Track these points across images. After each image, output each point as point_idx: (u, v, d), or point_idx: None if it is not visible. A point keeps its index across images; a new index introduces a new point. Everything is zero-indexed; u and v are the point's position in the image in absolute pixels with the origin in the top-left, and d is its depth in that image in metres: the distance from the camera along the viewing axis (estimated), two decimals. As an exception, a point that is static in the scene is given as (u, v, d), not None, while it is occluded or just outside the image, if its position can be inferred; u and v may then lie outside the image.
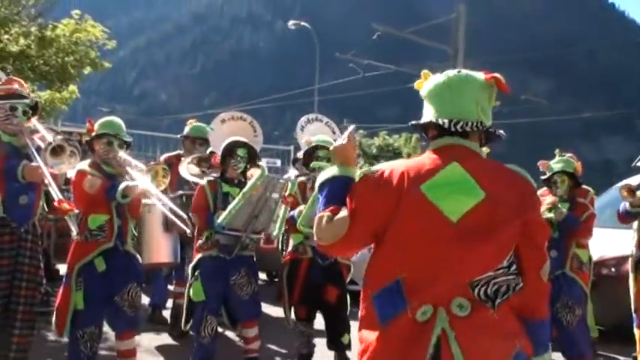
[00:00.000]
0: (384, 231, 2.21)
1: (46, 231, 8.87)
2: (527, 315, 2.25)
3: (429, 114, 2.34)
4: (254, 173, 5.05)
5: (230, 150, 5.22)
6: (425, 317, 2.11)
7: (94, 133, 4.78)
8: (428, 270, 2.13)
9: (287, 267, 5.40)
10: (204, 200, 5.09)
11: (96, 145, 4.75)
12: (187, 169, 6.01)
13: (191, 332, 5.30)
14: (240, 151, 5.23)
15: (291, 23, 28.70)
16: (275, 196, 4.98)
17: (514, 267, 2.23)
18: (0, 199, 4.34)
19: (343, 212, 2.26)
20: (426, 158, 2.29)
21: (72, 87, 11.52)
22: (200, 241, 5.10)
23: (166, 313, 6.87)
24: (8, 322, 4.41)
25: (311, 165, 5.26)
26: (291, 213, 5.21)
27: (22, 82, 4.81)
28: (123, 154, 4.81)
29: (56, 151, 4.25)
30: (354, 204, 2.24)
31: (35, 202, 4.52)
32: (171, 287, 6.88)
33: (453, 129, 2.25)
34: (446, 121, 2.25)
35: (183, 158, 6.46)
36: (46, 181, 4.32)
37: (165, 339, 6.37)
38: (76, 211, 4.43)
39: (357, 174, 2.34)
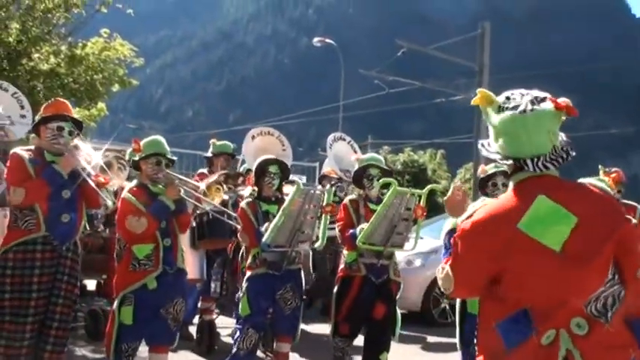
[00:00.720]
0: (499, 274, 2.29)
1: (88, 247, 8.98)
2: (633, 316, 2.31)
3: (503, 149, 2.37)
4: (289, 189, 5.10)
5: (262, 169, 5.26)
6: (549, 340, 2.20)
7: (141, 154, 4.74)
8: (547, 300, 2.22)
9: (339, 284, 5.42)
10: (249, 219, 5.13)
11: (143, 165, 4.73)
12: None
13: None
14: (273, 168, 5.27)
15: (316, 40, 28.83)
16: (313, 207, 5.00)
17: (617, 276, 2.29)
18: (43, 217, 4.43)
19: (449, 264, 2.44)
20: (512, 197, 2.35)
21: (100, 104, 11.75)
22: (249, 261, 5.15)
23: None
24: (42, 338, 4.46)
25: (375, 184, 5.33)
26: (351, 230, 5.27)
27: (67, 103, 4.91)
28: (170, 172, 4.87)
29: (104, 169, 4.37)
30: (453, 257, 2.40)
31: (77, 221, 4.59)
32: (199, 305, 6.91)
33: (535, 169, 2.31)
34: (529, 162, 2.31)
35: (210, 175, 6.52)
36: (80, 165, 4.44)
37: (189, 355, 6.35)
38: (111, 184, 4.52)
39: (453, 224, 2.46)
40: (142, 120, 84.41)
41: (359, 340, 5.62)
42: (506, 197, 2.39)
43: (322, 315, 8.09)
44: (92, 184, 4.45)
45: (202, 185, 4.94)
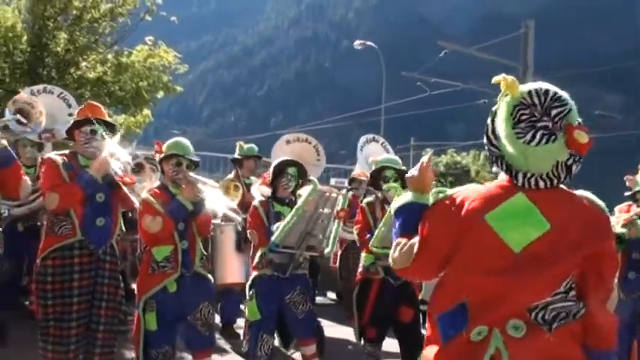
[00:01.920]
0: (451, 258, 2.24)
1: (122, 251, 9.13)
2: (591, 345, 2.22)
3: (504, 148, 2.27)
4: (305, 189, 5.09)
5: (280, 169, 5.26)
6: (479, 337, 2.13)
7: (162, 155, 4.86)
8: (487, 296, 2.15)
9: (358, 287, 5.40)
10: (260, 218, 5.13)
11: (165, 166, 4.84)
12: (259, 190, 6.13)
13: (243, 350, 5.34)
14: (291, 170, 5.26)
15: (357, 43, 28.81)
16: (327, 211, 4.97)
17: (572, 293, 2.22)
18: (78, 222, 4.48)
19: (415, 239, 2.33)
20: (494, 187, 2.30)
21: (146, 111, 11.93)
22: (255, 260, 5.15)
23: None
24: (90, 341, 4.53)
25: (384, 187, 5.27)
26: (368, 235, 5.23)
27: (100, 105, 4.98)
28: (192, 174, 4.90)
29: (136, 169, 4.42)
30: (423, 231, 2.30)
31: (112, 224, 4.63)
32: (242, 306, 6.97)
33: (525, 184, 2.23)
34: (520, 175, 2.23)
35: (244, 178, 6.58)
36: (109, 166, 4.49)
37: (235, 357, 6.39)
38: (142, 185, 4.57)
39: (430, 198, 2.39)
40: (184, 125, 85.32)
41: (387, 345, 5.57)
42: (490, 185, 2.32)
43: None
44: (117, 180, 4.51)
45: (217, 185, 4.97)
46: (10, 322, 6.46)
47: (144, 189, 4.67)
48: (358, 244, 5.65)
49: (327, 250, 5.27)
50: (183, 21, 13.43)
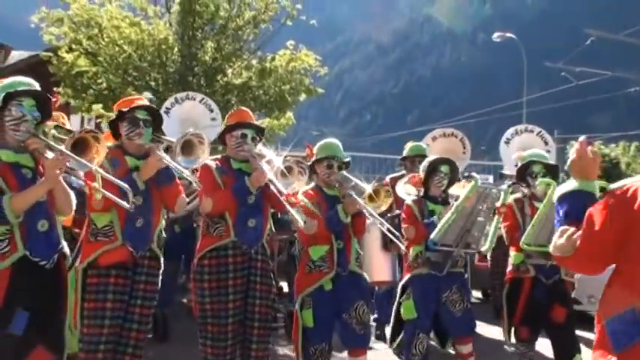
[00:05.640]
0: (619, 255, 2.12)
1: (270, 250, 9.46)
2: None
3: None
4: (465, 185, 5.02)
5: (433, 167, 5.22)
6: None
7: (314, 158, 4.99)
8: None
9: (507, 286, 5.29)
10: (414, 215, 5.13)
11: (318, 169, 4.97)
12: (404, 189, 6.14)
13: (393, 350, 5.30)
14: (444, 168, 5.21)
15: (495, 36, 28.03)
16: (486, 208, 4.88)
17: None
18: (231, 223, 4.66)
19: (579, 228, 2.23)
20: None
21: (289, 114, 12.28)
22: (409, 260, 5.15)
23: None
24: (246, 337, 4.72)
25: (537, 182, 5.12)
26: (517, 234, 5.10)
27: (249, 111, 5.17)
28: (343, 174, 4.99)
29: (285, 172, 4.56)
30: (590, 221, 2.18)
31: (263, 225, 4.79)
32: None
33: None
34: None
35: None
36: (269, 180, 4.58)
37: (389, 353, 6.39)
38: (301, 202, 4.65)
39: (596, 186, 2.29)
40: (322, 126, 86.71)
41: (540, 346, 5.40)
42: None
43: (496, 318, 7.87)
44: (283, 201, 4.54)
45: (369, 188, 4.91)
46: (170, 319, 6.87)
47: (292, 190, 4.79)
48: (507, 243, 5.52)
49: (484, 248, 5.18)
50: (319, 23, 13.65)
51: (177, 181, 4.42)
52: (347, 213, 4.77)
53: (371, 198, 4.85)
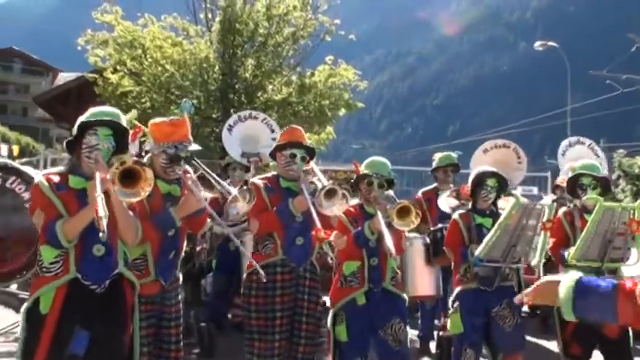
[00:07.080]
0: None
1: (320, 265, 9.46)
2: None
3: None
4: (508, 201, 4.95)
5: (480, 180, 5.17)
6: None
7: (359, 175, 4.95)
8: None
9: None
10: (458, 234, 5.07)
11: (360, 186, 4.93)
12: (446, 202, 6.07)
13: None
14: (491, 181, 5.12)
15: (537, 44, 27.71)
16: (532, 223, 4.79)
17: None
18: (280, 242, 4.68)
19: None
20: None
21: (329, 128, 12.32)
22: (459, 275, 5.10)
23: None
24: (292, 354, 4.73)
25: (586, 198, 5.02)
26: (563, 252, 5.00)
27: (301, 129, 5.13)
28: (384, 193, 4.94)
29: (329, 194, 4.54)
30: None
31: (311, 243, 4.73)
32: (436, 321, 6.93)
33: None
34: None
35: (440, 191, 6.54)
36: (310, 209, 4.51)
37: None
38: (332, 238, 4.61)
39: None
40: (363, 139, 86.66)
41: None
42: None
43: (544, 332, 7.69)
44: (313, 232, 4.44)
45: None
46: (216, 333, 6.91)
47: (332, 212, 4.73)
48: (552, 259, 5.39)
49: (534, 262, 5.04)
50: (357, 37, 13.67)
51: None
52: (372, 231, 4.72)
53: (400, 215, 4.76)
